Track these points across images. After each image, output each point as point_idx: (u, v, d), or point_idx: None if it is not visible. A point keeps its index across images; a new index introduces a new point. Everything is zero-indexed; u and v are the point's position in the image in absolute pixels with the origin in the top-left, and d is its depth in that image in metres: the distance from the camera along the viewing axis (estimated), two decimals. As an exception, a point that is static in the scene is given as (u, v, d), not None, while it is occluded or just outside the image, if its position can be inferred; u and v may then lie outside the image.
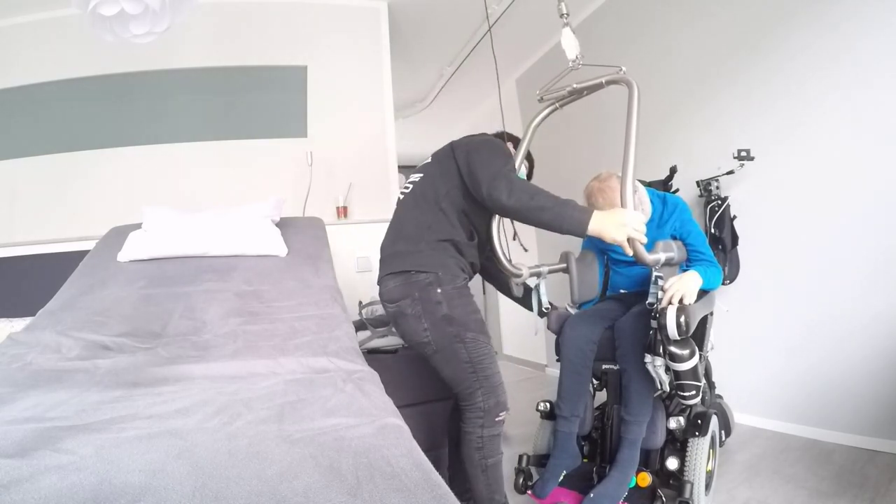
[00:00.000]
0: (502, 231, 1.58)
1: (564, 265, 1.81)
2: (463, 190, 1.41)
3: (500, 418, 1.40)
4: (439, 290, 1.35)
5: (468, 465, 1.41)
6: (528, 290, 1.78)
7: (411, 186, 1.52)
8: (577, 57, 1.59)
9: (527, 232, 1.78)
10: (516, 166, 1.51)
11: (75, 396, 0.94)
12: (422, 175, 1.51)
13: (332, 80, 2.96)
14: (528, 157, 1.70)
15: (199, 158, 2.78)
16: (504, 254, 1.56)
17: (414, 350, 1.48)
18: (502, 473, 1.45)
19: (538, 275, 1.72)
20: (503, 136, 1.68)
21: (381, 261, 1.49)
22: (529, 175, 1.72)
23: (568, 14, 1.63)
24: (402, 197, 1.53)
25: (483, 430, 1.38)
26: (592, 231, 1.24)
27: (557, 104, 1.67)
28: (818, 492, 1.61)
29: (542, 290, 1.74)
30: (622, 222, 1.23)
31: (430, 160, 1.55)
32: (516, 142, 1.68)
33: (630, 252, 1.28)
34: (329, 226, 2.16)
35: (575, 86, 1.58)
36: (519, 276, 1.60)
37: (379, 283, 1.48)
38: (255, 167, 2.81)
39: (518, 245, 1.73)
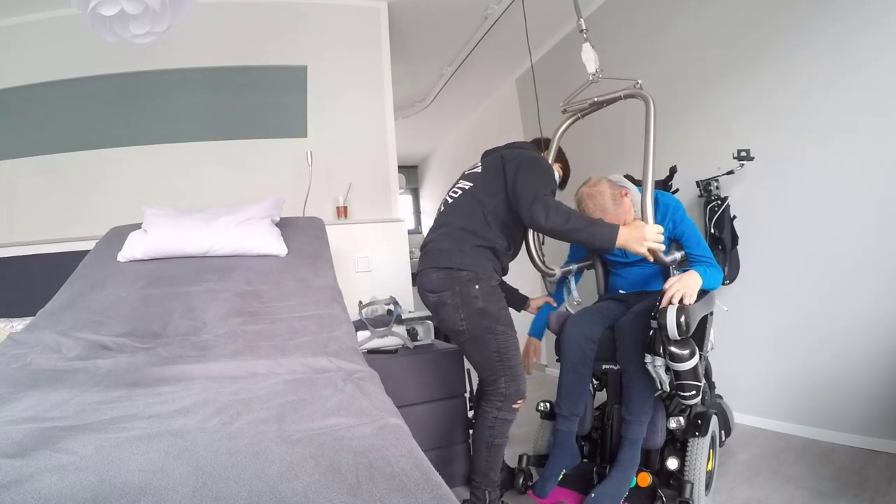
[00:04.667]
0: (536, 237, 1.79)
1: (590, 262, 2.00)
2: (507, 206, 1.57)
3: (517, 406, 1.54)
4: (477, 287, 1.51)
5: (476, 439, 1.57)
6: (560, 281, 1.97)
7: (460, 192, 1.66)
8: (596, 70, 1.66)
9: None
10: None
11: (75, 396, 0.94)
12: (472, 184, 1.65)
13: (332, 80, 2.96)
14: (565, 166, 1.89)
15: (199, 158, 2.77)
16: (538, 255, 1.78)
17: (449, 336, 1.63)
18: (503, 458, 1.60)
19: (569, 272, 1.93)
20: (541, 144, 1.84)
21: (425, 253, 1.62)
22: (564, 181, 1.87)
23: (587, 30, 1.69)
24: (450, 200, 1.67)
25: (499, 413, 1.52)
26: (619, 245, 1.42)
27: (579, 115, 1.81)
28: (818, 492, 1.61)
29: (573, 285, 1.95)
30: (643, 236, 1.42)
31: (479, 169, 1.68)
32: (549, 144, 1.86)
33: (651, 259, 1.49)
34: (329, 226, 2.16)
35: (596, 98, 1.71)
36: (552, 274, 1.84)
37: (419, 273, 1.62)
38: (255, 167, 2.81)
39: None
